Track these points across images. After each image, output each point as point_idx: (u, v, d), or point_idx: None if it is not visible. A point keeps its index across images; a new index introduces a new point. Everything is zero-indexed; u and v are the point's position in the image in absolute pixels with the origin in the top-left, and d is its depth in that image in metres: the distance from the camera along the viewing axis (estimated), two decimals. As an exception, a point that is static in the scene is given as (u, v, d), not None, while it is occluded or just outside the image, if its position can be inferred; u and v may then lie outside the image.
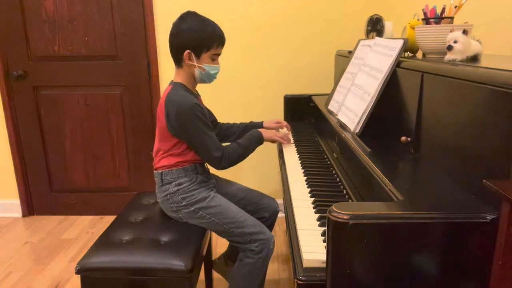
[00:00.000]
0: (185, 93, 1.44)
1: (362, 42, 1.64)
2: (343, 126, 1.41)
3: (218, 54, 1.48)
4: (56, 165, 2.69)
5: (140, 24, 2.44)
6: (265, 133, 1.66)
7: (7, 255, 2.27)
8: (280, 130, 1.93)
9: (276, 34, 2.42)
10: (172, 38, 1.45)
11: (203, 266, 1.81)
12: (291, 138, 1.91)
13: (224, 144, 1.50)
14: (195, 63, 1.44)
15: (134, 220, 1.56)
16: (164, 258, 1.31)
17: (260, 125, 1.83)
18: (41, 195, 2.75)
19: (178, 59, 1.47)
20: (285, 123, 1.91)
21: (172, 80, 1.52)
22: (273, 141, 1.73)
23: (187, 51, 1.42)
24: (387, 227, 0.75)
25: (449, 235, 0.75)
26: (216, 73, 1.50)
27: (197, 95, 1.56)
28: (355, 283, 0.77)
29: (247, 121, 1.88)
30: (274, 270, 2.09)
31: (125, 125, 2.62)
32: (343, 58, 2.00)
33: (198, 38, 1.41)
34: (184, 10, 1.47)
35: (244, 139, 1.58)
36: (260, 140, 1.63)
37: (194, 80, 1.51)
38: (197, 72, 1.46)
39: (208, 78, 1.50)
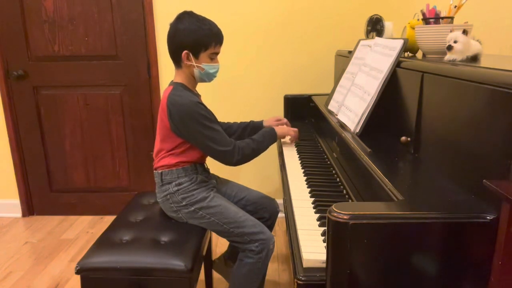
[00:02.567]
0: (187, 92, 1.44)
1: (362, 42, 1.64)
2: (343, 126, 1.41)
3: (217, 53, 1.48)
4: (56, 165, 2.69)
5: (140, 24, 2.44)
6: (278, 129, 1.66)
7: (7, 255, 2.27)
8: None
9: (276, 34, 2.42)
10: (169, 39, 1.45)
11: (203, 266, 1.81)
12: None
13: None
14: (193, 63, 1.44)
15: (134, 220, 1.56)
16: (164, 258, 1.31)
17: (260, 124, 1.83)
18: (41, 195, 2.75)
19: (177, 60, 1.47)
20: (285, 120, 1.91)
21: (172, 80, 1.52)
22: (285, 137, 1.76)
23: (185, 51, 1.42)
24: (387, 227, 0.75)
25: (449, 235, 0.75)
26: (216, 72, 1.50)
27: (197, 95, 1.55)
28: (355, 283, 0.77)
29: (247, 121, 1.87)
30: (274, 270, 2.09)
31: (125, 125, 2.62)
32: (343, 58, 2.00)
33: (195, 38, 1.41)
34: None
35: (258, 134, 1.58)
36: (274, 136, 1.62)
37: (194, 80, 1.51)
38: (196, 71, 1.46)
39: (208, 77, 1.49)
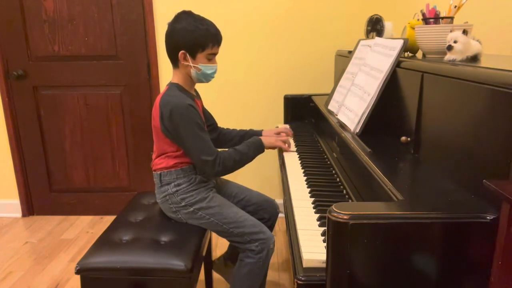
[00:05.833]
0: (180, 93, 1.43)
1: (362, 42, 1.64)
2: (343, 126, 1.41)
3: (215, 54, 1.46)
4: (56, 165, 2.69)
5: (140, 24, 2.44)
6: (265, 140, 1.61)
7: (7, 255, 2.27)
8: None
9: (276, 34, 2.42)
10: (167, 39, 1.44)
11: (203, 266, 1.81)
12: (292, 143, 1.83)
13: (221, 150, 1.49)
14: (190, 64, 1.43)
15: (134, 220, 1.56)
16: (164, 258, 1.31)
17: (259, 133, 1.79)
18: (41, 195, 2.75)
19: (174, 60, 1.46)
20: (287, 131, 1.84)
21: (170, 81, 1.51)
22: (274, 148, 1.68)
23: (182, 51, 1.41)
24: (387, 227, 0.75)
25: (449, 235, 0.75)
26: (213, 73, 1.48)
27: (195, 96, 1.54)
28: (355, 283, 0.77)
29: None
30: (274, 270, 2.09)
31: (125, 125, 2.62)
32: (343, 58, 2.00)
33: (192, 38, 1.39)
34: (185, 10, 1.46)
35: (242, 145, 1.55)
36: (260, 147, 1.58)
37: (191, 80, 1.49)
38: (193, 72, 1.45)
39: (205, 77, 1.48)
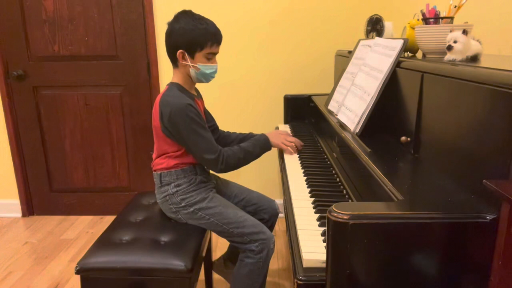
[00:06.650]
0: (179, 93, 1.43)
1: (362, 42, 1.64)
2: (343, 126, 1.41)
3: (214, 53, 1.45)
4: (56, 165, 2.69)
5: (140, 24, 2.44)
6: (272, 138, 1.58)
7: (7, 255, 2.27)
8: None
9: (276, 34, 2.42)
10: (166, 38, 1.44)
11: (203, 267, 1.81)
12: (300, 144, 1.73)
13: (226, 148, 1.48)
14: (189, 63, 1.42)
15: (134, 220, 1.56)
16: (164, 258, 1.31)
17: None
18: (41, 195, 2.75)
19: (173, 59, 1.46)
20: (293, 138, 1.73)
21: (170, 81, 1.51)
22: (280, 149, 1.66)
23: (180, 50, 1.41)
24: (387, 227, 0.75)
25: (449, 235, 0.75)
26: (213, 72, 1.47)
27: (195, 96, 1.54)
28: (355, 283, 0.77)
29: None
30: (274, 270, 2.09)
31: (125, 125, 2.62)
32: (343, 58, 2.00)
33: (191, 38, 1.39)
34: (184, 10, 1.46)
35: (248, 142, 1.54)
36: (266, 145, 1.57)
37: (191, 80, 1.49)
38: (192, 72, 1.45)
39: (205, 77, 1.47)
